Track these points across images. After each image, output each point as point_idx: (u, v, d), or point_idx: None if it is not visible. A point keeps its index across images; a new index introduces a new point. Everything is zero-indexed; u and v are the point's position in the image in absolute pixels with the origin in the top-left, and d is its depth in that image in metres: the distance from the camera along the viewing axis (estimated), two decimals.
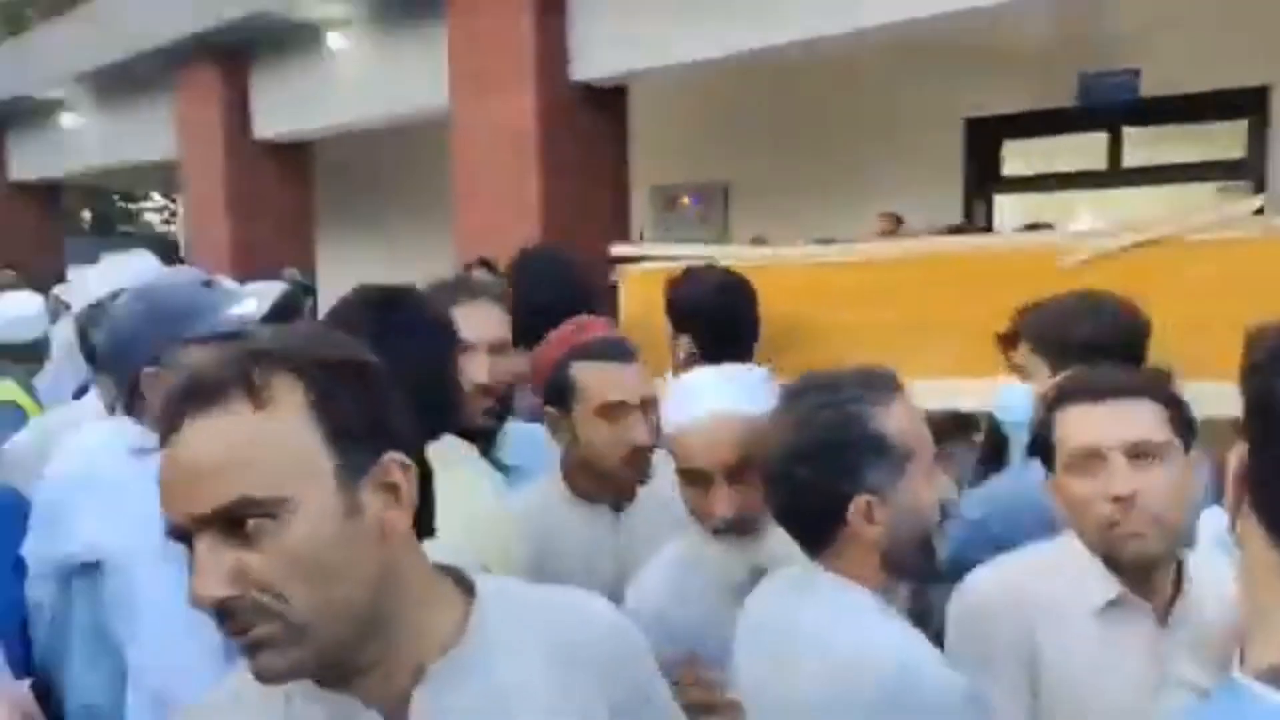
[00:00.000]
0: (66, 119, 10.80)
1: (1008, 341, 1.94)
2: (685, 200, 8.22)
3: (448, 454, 1.36)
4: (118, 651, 1.37)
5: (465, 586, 0.95)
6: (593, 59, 6.06)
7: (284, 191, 8.74)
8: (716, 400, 1.39)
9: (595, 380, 1.60)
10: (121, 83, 9.59)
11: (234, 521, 0.78)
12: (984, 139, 7.05)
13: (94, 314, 2.51)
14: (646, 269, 2.58)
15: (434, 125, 6.94)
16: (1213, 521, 1.44)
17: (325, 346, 0.87)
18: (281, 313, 1.64)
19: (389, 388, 0.89)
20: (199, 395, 0.80)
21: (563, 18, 6.07)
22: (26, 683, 1.04)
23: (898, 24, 4.87)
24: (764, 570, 1.34)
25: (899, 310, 2.20)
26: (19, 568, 1.43)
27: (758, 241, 5.05)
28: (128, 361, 1.50)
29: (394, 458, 0.85)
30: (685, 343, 2.10)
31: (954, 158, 7.02)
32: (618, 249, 2.83)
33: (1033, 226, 4.36)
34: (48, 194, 12.69)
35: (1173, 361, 1.75)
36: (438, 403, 1.41)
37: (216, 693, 0.93)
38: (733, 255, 2.56)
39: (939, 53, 6.22)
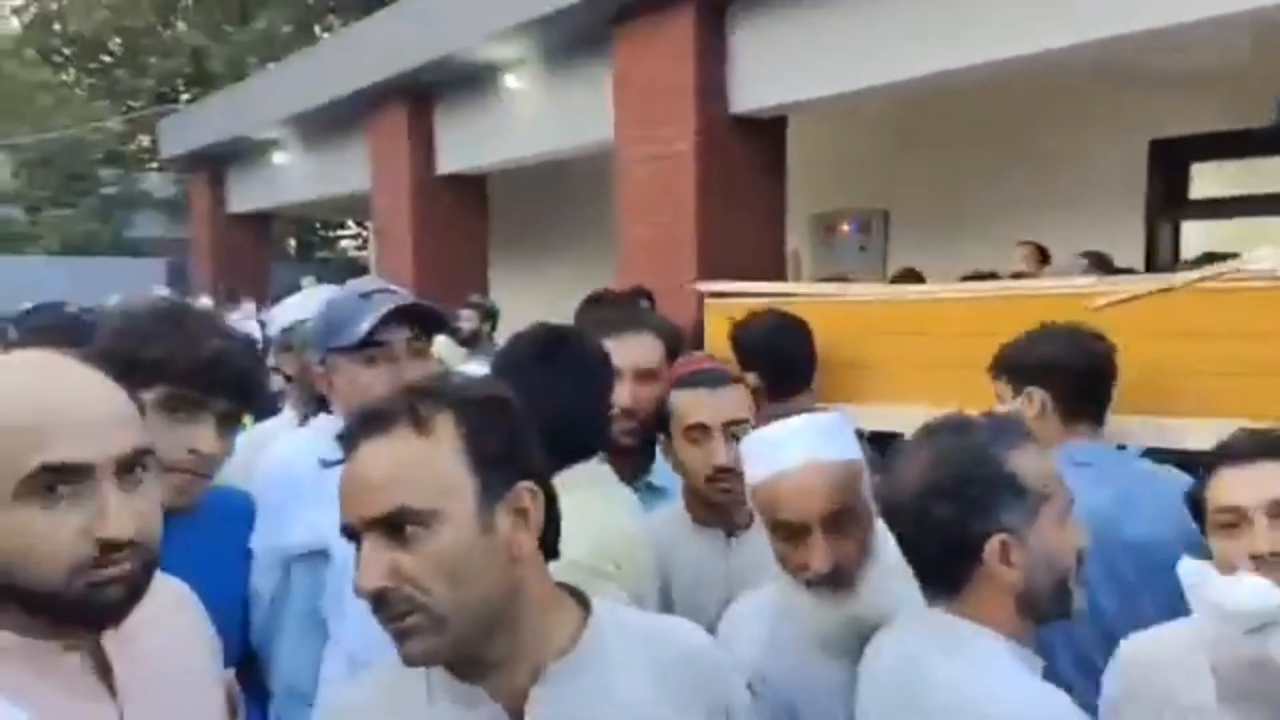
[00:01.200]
0: (277, 157, 11.92)
1: (993, 373, 2.05)
2: (845, 228, 8.15)
3: (591, 475, 1.53)
4: (322, 632, 1.57)
5: (583, 604, 1.08)
6: (751, 92, 6.16)
7: (462, 221, 9.31)
8: (805, 449, 1.35)
9: (683, 405, 1.73)
10: (323, 124, 10.51)
11: (394, 527, 0.94)
12: (1170, 161, 6.64)
13: (283, 338, 2.85)
14: (726, 304, 2.78)
15: (600, 159, 7.24)
16: None
17: (477, 389, 1.04)
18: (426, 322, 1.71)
19: (527, 425, 1.04)
20: (374, 422, 0.98)
21: (723, 54, 6.21)
22: (231, 671, 1.23)
23: (1078, 47, 4.67)
24: (860, 621, 1.34)
25: (941, 350, 2.35)
26: (247, 561, 1.64)
27: (907, 275, 4.99)
28: (309, 365, 1.74)
29: (526, 486, 1.00)
30: (752, 379, 2.22)
31: (1137, 182, 6.65)
32: (702, 285, 3.07)
33: (1212, 256, 4.09)
34: (260, 224, 14.01)
35: (1194, 402, 1.92)
36: (590, 429, 1.57)
37: (375, 674, 1.09)
38: (804, 292, 2.85)
39: (1122, 73, 5.93)
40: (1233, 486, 1.37)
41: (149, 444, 1.00)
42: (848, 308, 2.64)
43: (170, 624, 1.10)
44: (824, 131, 7.24)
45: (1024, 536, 1.20)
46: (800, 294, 2.80)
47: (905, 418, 1.86)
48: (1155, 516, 1.71)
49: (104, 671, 1.01)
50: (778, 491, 1.36)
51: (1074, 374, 1.89)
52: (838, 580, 1.33)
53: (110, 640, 1.00)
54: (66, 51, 21.91)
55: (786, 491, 1.35)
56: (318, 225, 20.53)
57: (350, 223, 19.74)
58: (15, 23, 22.41)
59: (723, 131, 6.22)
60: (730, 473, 1.61)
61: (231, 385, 1.44)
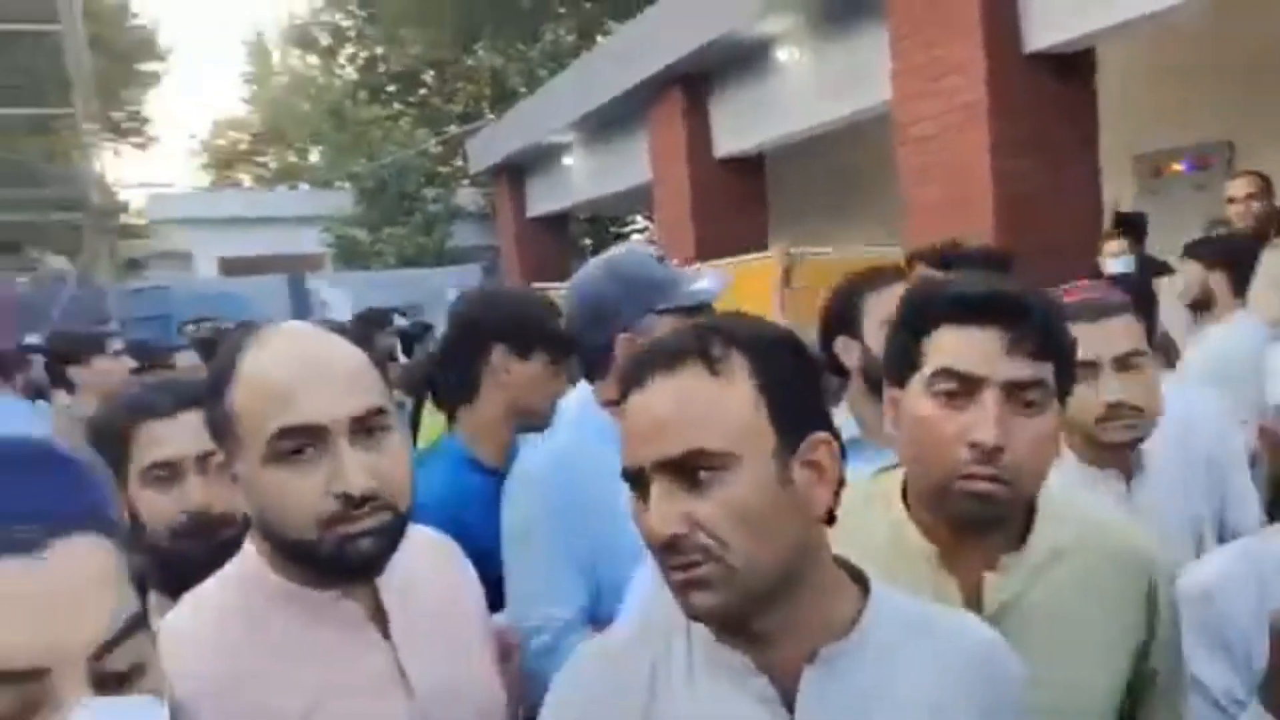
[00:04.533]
0: (567, 159, 12.59)
1: None
2: (1177, 167, 7.10)
3: None
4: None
5: (861, 583, 0.97)
6: (1048, 25, 5.51)
7: (741, 203, 9.28)
8: None
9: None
10: (606, 122, 10.93)
11: (687, 470, 0.87)
12: None
13: None
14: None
15: (878, 123, 6.86)
16: None
17: (770, 331, 0.96)
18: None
19: (819, 375, 0.98)
20: (664, 358, 0.91)
21: None
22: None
23: None
24: None
25: None
26: None
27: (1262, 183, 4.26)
28: (601, 328, 1.69)
29: (821, 437, 0.91)
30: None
31: None
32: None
33: None
34: (557, 224, 14.90)
35: None
36: None
37: (631, 628, 1.05)
38: None
39: None
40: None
41: (382, 404, 1.07)
42: None
43: (441, 576, 1.20)
44: (1144, 60, 6.34)
45: None
46: None
47: None
48: None
49: (380, 619, 1.11)
50: None
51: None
52: None
53: (385, 589, 1.11)
54: (390, 89, 24.66)
55: None
56: (609, 222, 21.51)
57: (639, 218, 20.48)
58: (350, 69, 25.59)
59: (1017, 74, 5.63)
60: None
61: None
